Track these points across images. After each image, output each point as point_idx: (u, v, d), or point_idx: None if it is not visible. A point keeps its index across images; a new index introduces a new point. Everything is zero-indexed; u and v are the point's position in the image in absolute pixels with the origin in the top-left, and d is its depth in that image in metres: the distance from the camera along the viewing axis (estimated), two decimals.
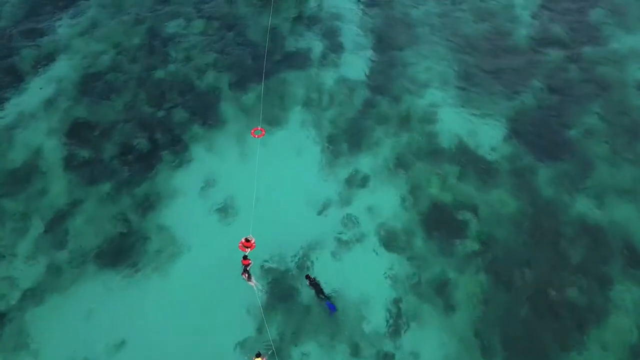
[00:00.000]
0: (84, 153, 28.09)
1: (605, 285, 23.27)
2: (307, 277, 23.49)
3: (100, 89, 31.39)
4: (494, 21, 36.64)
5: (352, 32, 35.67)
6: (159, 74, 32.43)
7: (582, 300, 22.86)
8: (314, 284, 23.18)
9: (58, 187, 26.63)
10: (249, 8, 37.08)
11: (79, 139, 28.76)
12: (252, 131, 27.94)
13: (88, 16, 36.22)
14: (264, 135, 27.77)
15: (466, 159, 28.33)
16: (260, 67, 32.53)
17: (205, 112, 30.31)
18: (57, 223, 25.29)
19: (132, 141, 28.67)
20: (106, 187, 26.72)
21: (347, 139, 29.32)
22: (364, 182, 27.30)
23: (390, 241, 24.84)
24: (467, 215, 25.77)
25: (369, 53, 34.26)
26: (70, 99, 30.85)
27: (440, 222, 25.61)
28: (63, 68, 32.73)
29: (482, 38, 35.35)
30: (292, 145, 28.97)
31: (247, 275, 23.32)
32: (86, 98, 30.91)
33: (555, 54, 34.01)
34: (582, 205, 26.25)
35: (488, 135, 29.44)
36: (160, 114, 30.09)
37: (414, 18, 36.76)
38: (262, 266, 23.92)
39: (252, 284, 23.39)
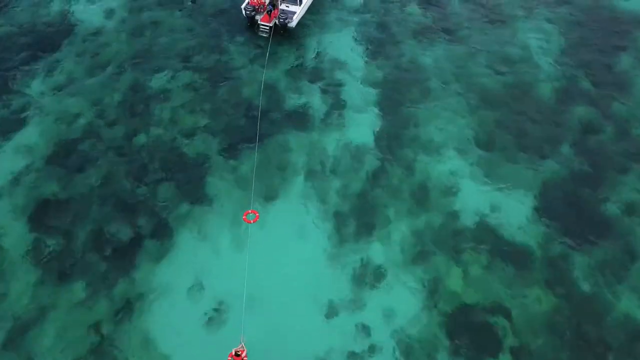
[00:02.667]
0: (53, 242, 24.29)
1: None
2: None
3: (74, 160, 27.61)
4: (512, 70, 33.22)
5: (356, 85, 32.14)
6: (141, 139, 28.72)
7: None
8: None
9: (20, 287, 22.78)
10: (241, 57, 33.46)
11: (48, 224, 24.96)
12: (244, 215, 24.37)
13: (63, 69, 32.43)
14: (258, 219, 24.20)
15: (491, 243, 24.84)
16: (255, 128, 29.04)
17: (193, 187, 26.62)
18: (18, 336, 21.43)
19: (109, 226, 24.93)
20: (79, 287, 22.92)
21: (355, 218, 25.75)
22: (377, 275, 23.70)
23: (408, 355, 21.28)
24: (497, 319, 22.26)
25: (377, 110, 30.74)
26: (40, 172, 27.06)
27: (466, 328, 22.06)
28: (33, 133, 28.91)
29: (502, 91, 31.91)
30: (292, 226, 25.33)
31: None
32: (58, 170, 27.12)
33: (583, 111, 30.63)
34: (628, 303, 22.81)
35: (514, 213, 25.97)
36: (142, 190, 26.37)
37: (425, 67, 33.28)
38: None
39: None
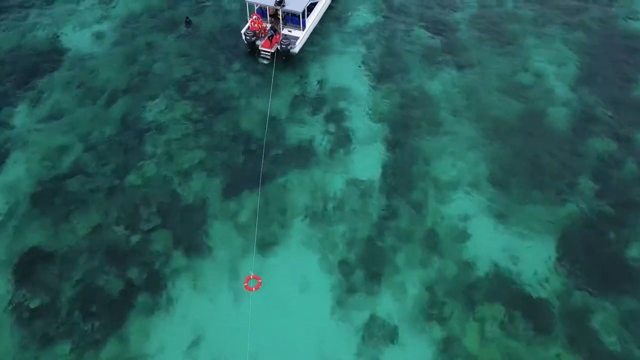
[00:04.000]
0: (37, 300, 22.43)
1: None
2: None
3: (60, 203, 25.77)
4: (525, 97, 31.60)
5: (362, 117, 30.42)
6: (134, 179, 26.91)
7: None
8: None
9: (0, 351, 21.08)
10: (241, 86, 31.67)
11: (31, 279, 23.09)
12: (245, 281, 22.70)
13: (50, 99, 30.63)
14: (260, 286, 22.57)
15: (508, 295, 23.15)
16: (257, 166, 27.34)
17: (190, 235, 24.83)
18: None
19: (99, 280, 23.10)
20: (64, 349, 21.10)
21: (363, 267, 24.02)
22: (387, 332, 21.96)
23: None
24: None
25: (383, 144, 29.03)
26: (23, 217, 25.25)
27: None
28: (16, 171, 27.12)
29: (515, 122, 30.22)
30: (295, 279, 23.53)
31: None
32: (42, 215, 25.30)
33: (601, 143, 29.00)
34: None
35: (532, 261, 24.28)
36: (135, 239, 24.54)
37: (433, 96, 31.59)
38: None
39: None
